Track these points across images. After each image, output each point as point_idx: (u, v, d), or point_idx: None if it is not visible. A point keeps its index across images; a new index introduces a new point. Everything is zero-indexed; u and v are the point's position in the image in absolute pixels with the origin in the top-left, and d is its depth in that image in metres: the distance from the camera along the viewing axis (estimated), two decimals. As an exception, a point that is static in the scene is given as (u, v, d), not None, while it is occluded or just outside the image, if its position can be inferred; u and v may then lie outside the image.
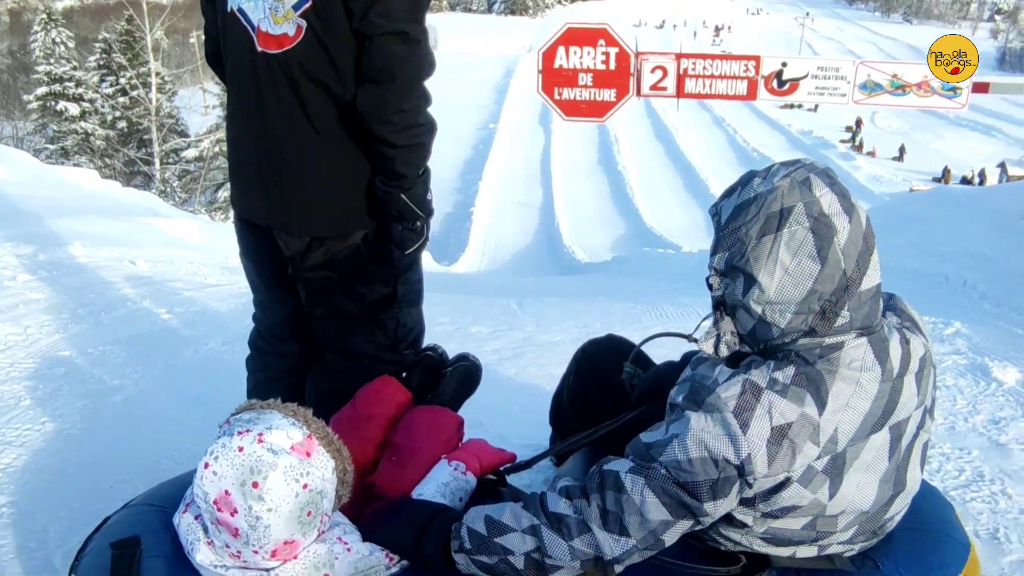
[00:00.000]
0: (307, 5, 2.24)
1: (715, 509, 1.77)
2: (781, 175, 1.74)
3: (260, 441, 1.77)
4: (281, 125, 2.37)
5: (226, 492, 1.74)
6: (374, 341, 2.61)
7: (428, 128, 2.32)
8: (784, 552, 1.96)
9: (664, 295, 7.02)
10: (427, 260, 17.92)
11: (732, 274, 1.78)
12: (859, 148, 40.60)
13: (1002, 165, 34.00)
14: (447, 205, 31.22)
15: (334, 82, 2.30)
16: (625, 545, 1.78)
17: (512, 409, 3.69)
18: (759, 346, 1.83)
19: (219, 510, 1.75)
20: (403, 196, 2.35)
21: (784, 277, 1.71)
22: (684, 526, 1.79)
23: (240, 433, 1.78)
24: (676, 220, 28.08)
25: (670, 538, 1.80)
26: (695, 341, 1.93)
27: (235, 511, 1.74)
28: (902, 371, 1.84)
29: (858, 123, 42.80)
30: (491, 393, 3.74)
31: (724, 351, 1.85)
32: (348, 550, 1.89)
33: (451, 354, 2.76)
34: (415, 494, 2.11)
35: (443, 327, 5.20)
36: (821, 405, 1.74)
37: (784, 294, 1.72)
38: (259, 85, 2.37)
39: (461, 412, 2.52)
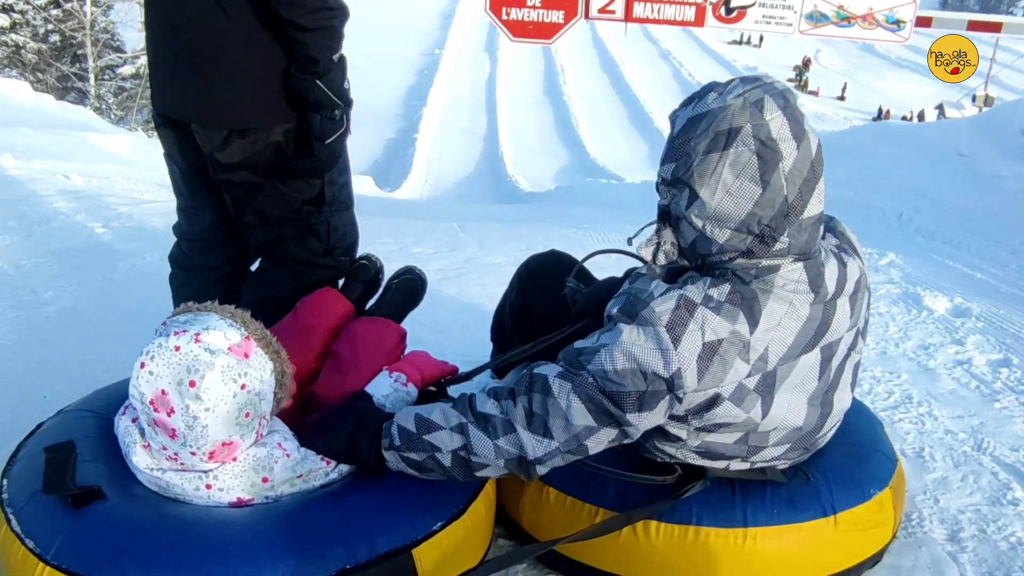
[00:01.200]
0: None
1: (639, 420, 1.79)
2: (736, 93, 1.73)
3: (197, 341, 1.75)
4: (194, 14, 2.31)
5: (162, 392, 1.72)
6: (307, 247, 2.59)
7: (338, 12, 2.28)
8: (718, 465, 2.00)
9: (606, 222, 7.05)
10: (369, 185, 17.77)
11: (678, 185, 1.78)
12: (803, 87, 40.70)
13: (940, 107, 34.45)
14: (390, 131, 30.81)
15: None
16: (548, 447, 1.80)
17: (453, 327, 3.69)
18: (698, 260, 1.84)
19: (155, 410, 1.73)
20: (319, 83, 2.30)
21: (725, 196, 1.72)
22: (608, 434, 1.81)
23: (177, 333, 1.76)
24: (620, 152, 28.06)
25: (593, 444, 1.82)
26: (631, 246, 1.95)
27: (172, 411, 1.72)
28: (836, 293, 1.87)
29: (806, 63, 42.85)
30: (432, 311, 3.73)
31: (662, 259, 1.87)
32: (287, 455, 1.89)
33: (393, 273, 2.74)
34: (355, 403, 2.10)
35: (385, 247, 5.17)
36: (753, 323, 1.76)
37: (724, 212, 1.73)
38: None
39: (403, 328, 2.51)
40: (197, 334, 1.75)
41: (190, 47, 2.35)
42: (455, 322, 3.79)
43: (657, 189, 1.86)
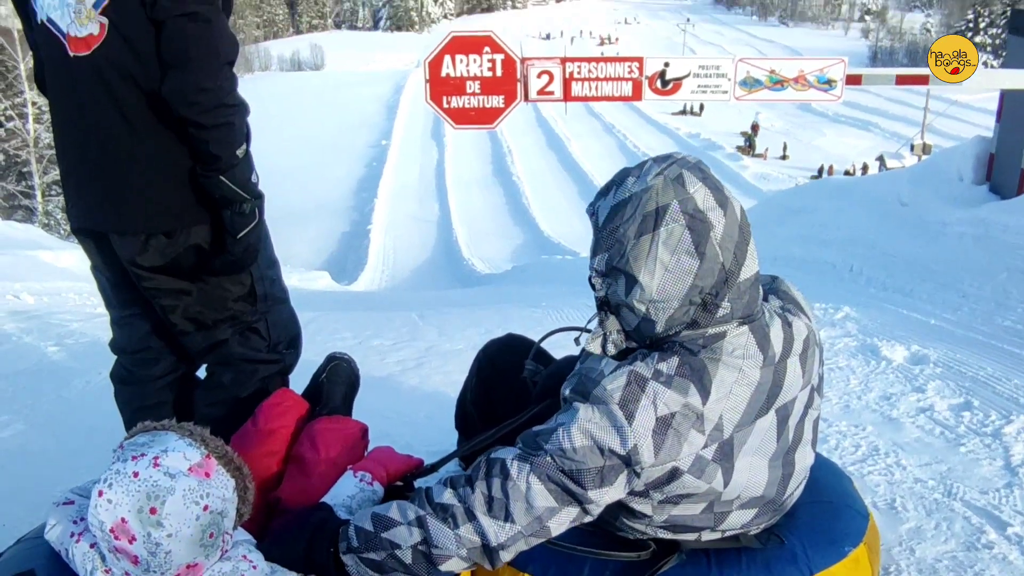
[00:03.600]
0: (105, 2, 2.25)
1: (600, 497, 1.77)
2: (654, 173, 1.76)
3: (156, 465, 1.71)
4: (98, 125, 2.34)
5: (123, 520, 1.67)
6: (250, 345, 2.59)
7: (237, 109, 2.31)
8: (689, 537, 1.99)
9: (564, 298, 7.08)
10: (326, 280, 17.74)
11: (613, 274, 1.79)
12: (751, 150, 41.42)
13: (881, 158, 35.36)
14: (343, 224, 30.97)
15: (141, 74, 2.28)
16: (510, 531, 1.77)
17: (417, 417, 3.66)
18: (644, 341, 1.85)
19: (116, 538, 1.69)
20: (223, 179, 2.32)
21: (665, 275, 1.73)
22: (570, 514, 1.79)
23: (135, 458, 1.72)
24: (572, 227, 28.35)
25: (555, 526, 1.80)
26: (589, 332, 1.95)
27: (133, 538, 1.68)
28: (785, 354, 1.88)
29: (754, 128, 43.78)
30: (396, 402, 3.72)
31: (611, 350, 1.87)
32: (254, 567, 1.84)
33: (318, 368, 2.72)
34: (320, 506, 2.07)
35: (344, 342, 5.15)
36: (705, 394, 1.77)
37: (666, 291, 1.74)
38: (75, 90, 2.36)
39: (367, 422, 2.49)
40: (156, 458, 1.71)
41: (97, 159, 2.38)
42: (419, 412, 3.76)
43: (590, 282, 1.86)
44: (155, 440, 1.78)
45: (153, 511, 1.66)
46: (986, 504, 2.79)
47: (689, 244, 1.72)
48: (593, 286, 1.85)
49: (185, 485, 1.70)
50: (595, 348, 1.87)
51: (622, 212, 1.76)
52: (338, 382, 2.60)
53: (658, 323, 1.78)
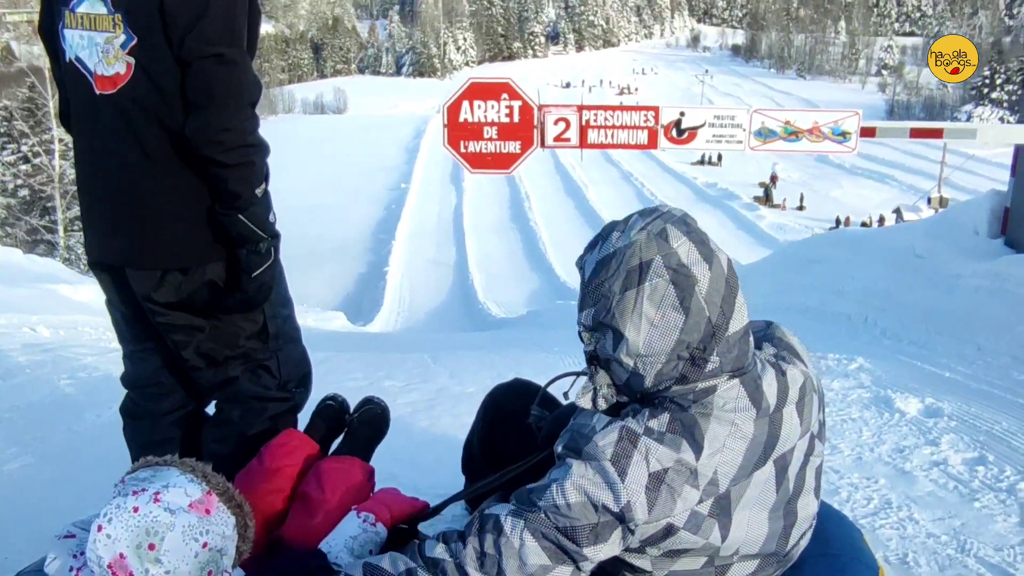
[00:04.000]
0: (133, 43, 2.29)
1: (595, 554, 1.75)
2: (638, 228, 1.75)
3: (156, 501, 1.70)
4: (120, 161, 2.38)
5: (121, 555, 1.66)
6: (261, 383, 2.59)
7: (258, 149, 2.34)
8: (695, 590, 1.95)
9: (577, 344, 7.03)
10: (341, 321, 17.78)
11: (601, 329, 1.77)
12: (769, 200, 41.47)
13: (897, 211, 35.35)
14: (360, 265, 31.12)
15: (166, 113, 2.32)
16: None
17: (426, 459, 3.64)
18: (635, 396, 1.83)
19: (114, 574, 1.68)
20: (241, 217, 2.34)
21: (651, 330, 1.72)
22: (563, 572, 1.77)
23: (135, 493, 1.71)
24: (589, 273, 28.42)
25: None
26: (586, 375, 1.93)
27: (131, 575, 1.67)
28: (780, 404, 1.85)
29: (773, 179, 43.89)
30: (405, 444, 3.70)
31: (602, 404, 1.85)
32: (252, 606, 1.83)
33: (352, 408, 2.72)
34: (322, 547, 2.06)
35: (356, 382, 5.15)
36: (697, 449, 1.74)
37: (652, 346, 1.73)
38: (99, 126, 2.39)
39: (374, 463, 2.48)
40: (156, 493, 1.71)
41: (118, 194, 2.40)
42: (428, 454, 3.75)
43: (580, 336, 1.84)
44: (156, 475, 1.77)
45: (152, 547, 1.65)
46: (1000, 561, 2.74)
47: (674, 299, 1.70)
48: (582, 339, 1.84)
49: (185, 521, 1.69)
50: (585, 403, 1.85)
51: (607, 267, 1.74)
52: (365, 424, 2.61)
53: (647, 378, 1.76)
